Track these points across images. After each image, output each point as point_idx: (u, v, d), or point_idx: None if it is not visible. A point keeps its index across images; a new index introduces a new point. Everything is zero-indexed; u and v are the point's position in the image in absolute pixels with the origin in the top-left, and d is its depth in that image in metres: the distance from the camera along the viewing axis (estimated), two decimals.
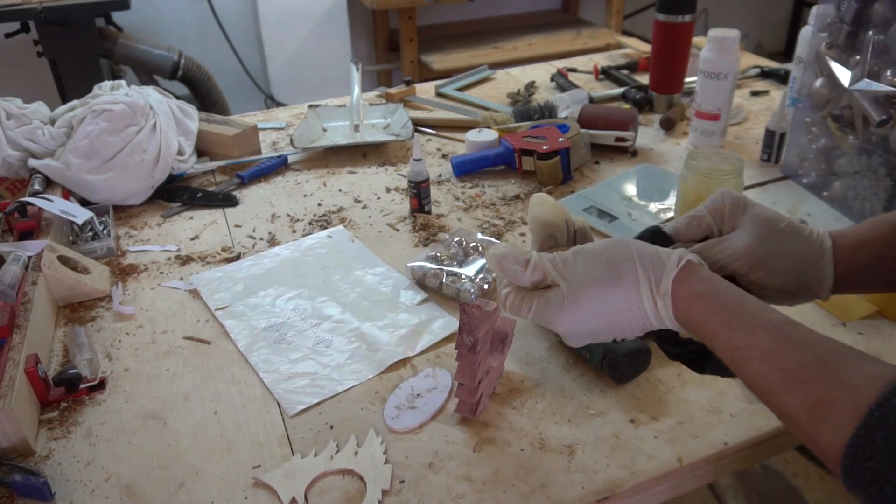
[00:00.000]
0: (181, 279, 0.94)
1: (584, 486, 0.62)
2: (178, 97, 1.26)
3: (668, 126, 1.32)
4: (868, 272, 0.60)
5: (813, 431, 0.45)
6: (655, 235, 0.63)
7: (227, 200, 1.12)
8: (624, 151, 1.23)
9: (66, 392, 0.74)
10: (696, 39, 1.45)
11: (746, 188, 1.08)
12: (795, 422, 0.46)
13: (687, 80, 1.38)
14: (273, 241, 1.02)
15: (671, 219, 0.60)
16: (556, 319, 0.56)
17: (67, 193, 1.07)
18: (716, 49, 1.16)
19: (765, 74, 1.56)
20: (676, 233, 0.63)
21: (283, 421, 0.70)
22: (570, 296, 0.55)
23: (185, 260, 0.98)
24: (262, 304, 0.88)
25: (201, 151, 1.26)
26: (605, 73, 1.61)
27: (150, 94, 1.17)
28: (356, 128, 1.34)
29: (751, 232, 0.59)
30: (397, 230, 1.03)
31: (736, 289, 0.53)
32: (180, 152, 1.17)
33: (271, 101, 2.95)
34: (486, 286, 0.86)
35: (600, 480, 0.62)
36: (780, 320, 0.49)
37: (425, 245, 0.99)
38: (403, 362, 0.77)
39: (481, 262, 0.89)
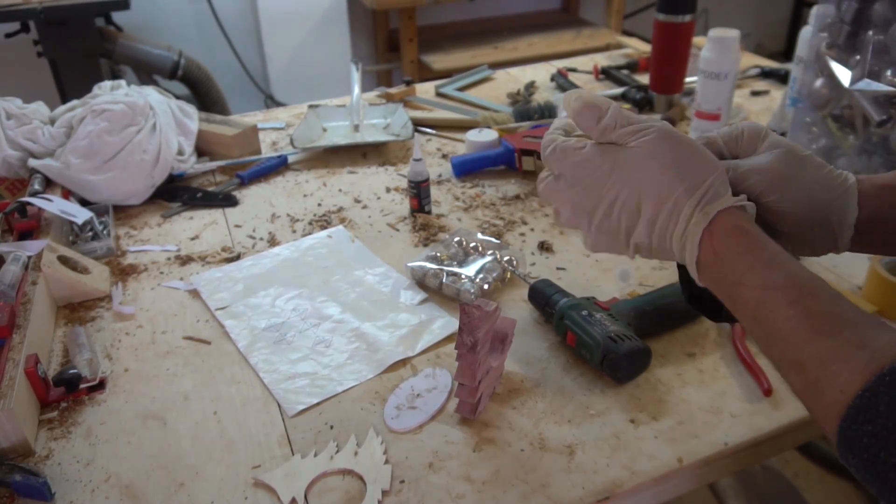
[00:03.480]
0: (181, 279, 0.94)
1: (584, 486, 0.62)
2: (178, 97, 1.26)
3: None
4: (891, 219, 0.56)
5: (820, 387, 0.44)
6: None
7: (227, 200, 1.12)
8: None
9: (65, 392, 0.74)
10: (696, 39, 1.45)
11: None
12: (804, 374, 0.45)
13: (687, 79, 1.38)
14: (273, 241, 1.02)
15: None
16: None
17: (67, 193, 1.07)
18: (716, 49, 1.16)
19: (765, 74, 1.56)
20: None
21: (283, 421, 0.70)
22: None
23: (185, 260, 0.98)
24: (262, 304, 0.88)
25: (201, 151, 1.25)
26: (605, 73, 1.61)
27: (150, 94, 1.17)
28: (356, 128, 1.34)
29: (773, 153, 0.57)
30: (397, 230, 1.03)
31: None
32: (180, 152, 1.17)
33: (271, 101, 2.95)
34: (486, 286, 0.86)
35: (600, 480, 0.62)
36: (818, 277, 0.48)
37: (425, 245, 0.99)
38: (403, 362, 0.77)
39: (481, 261, 0.89)
